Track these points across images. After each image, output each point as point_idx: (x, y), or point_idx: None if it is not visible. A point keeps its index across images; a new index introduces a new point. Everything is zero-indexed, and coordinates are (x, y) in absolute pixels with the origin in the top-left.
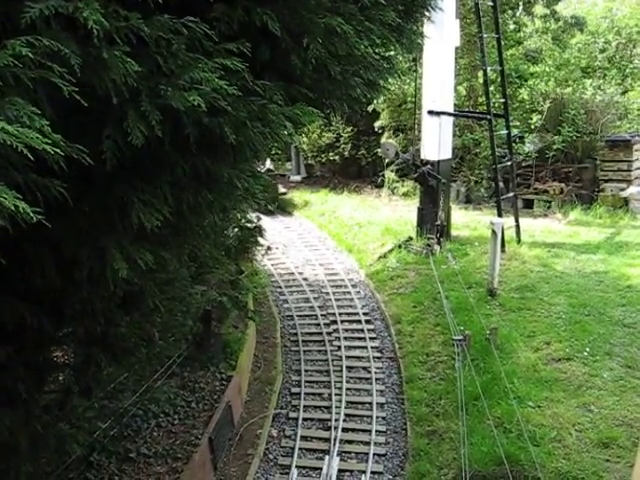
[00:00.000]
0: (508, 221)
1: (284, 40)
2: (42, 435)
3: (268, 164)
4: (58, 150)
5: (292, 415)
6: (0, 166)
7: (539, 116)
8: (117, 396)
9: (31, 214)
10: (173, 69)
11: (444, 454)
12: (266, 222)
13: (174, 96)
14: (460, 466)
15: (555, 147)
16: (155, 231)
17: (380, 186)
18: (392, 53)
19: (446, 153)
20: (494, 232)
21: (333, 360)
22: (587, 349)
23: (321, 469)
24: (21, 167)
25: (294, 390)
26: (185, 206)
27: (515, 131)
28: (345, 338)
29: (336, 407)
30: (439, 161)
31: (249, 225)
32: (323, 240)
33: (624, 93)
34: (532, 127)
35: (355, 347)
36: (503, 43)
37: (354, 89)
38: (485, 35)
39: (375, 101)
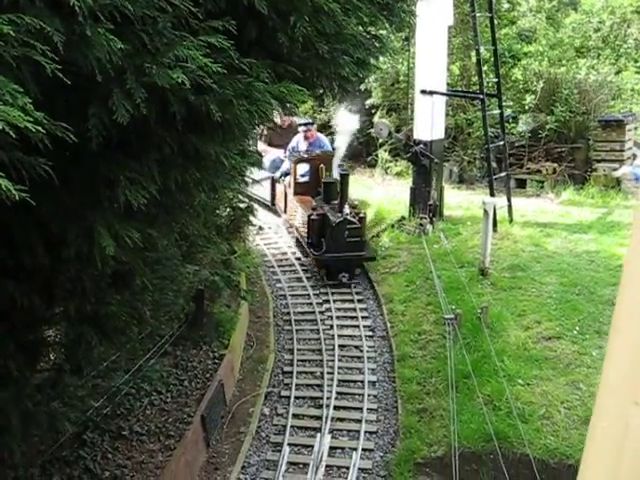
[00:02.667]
0: (500, 201)
1: (271, 18)
2: (33, 413)
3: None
4: (40, 128)
5: (284, 393)
6: None
7: (532, 96)
8: (110, 375)
9: (14, 192)
10: (158, 47)
11: (434, 431)
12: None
13: (159, 74)
14: (450, 443)
15: (548, 127)
16: (142, 209)
17: (373, 166)
18: (383, 32)
19: (439, 133)
20: (486, 212)
21: (325, 339)
22: (577, 328)
23: (313, 446)
24: (5, 145)
25: (286, 369)
26: (173, 184)
27: (508, 111)
28: (337, 317)
29: (328, 385)
30: (432, 141)
31: (241, 205)
32: None
33: (618, 73)
34: (525, 107)
35: (347, 326)
36: (497, 22)
37: (343, 68)
38: (478, 14)
39: (367, 80)
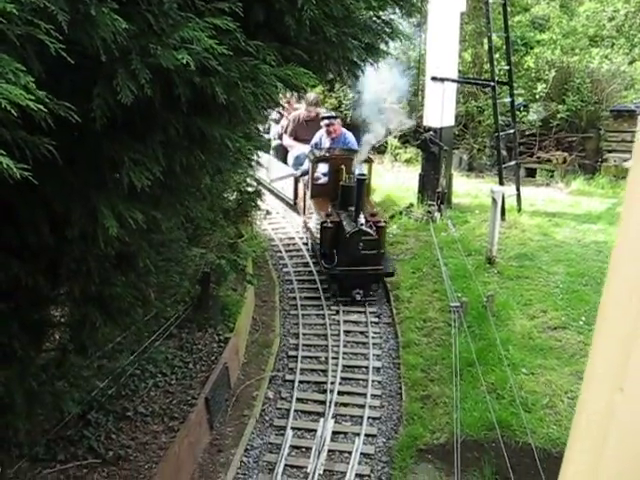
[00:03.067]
0: (509, 189)
1: (278, 1)
2: (38, 392)
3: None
4: (41, 107)
5: (289, 377)
6: None
7: (544, 85)
8: (115, 356)
9: (14, 169)
10: (164, 28)
11: (437, 418)
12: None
13: (164, 55)
14: (452, 430)
15: (559, 116)
16: (146, 191)
17: (382, 152)
18: (393, 17)
19: (449, 120)
20: (494, 200)
21: (331, 324)
22: (583, 318)
23: (316, 431)
24: (9, 124)
25: (291, 353)
26: (177, 166)
27: (520, 99)
28: (343, 303)
29: (332, 370)
30: (441, 128)
31: (249, 189)
32: None
33: (631, 63)
34: (537, 96)
35: (353, 312)
36: (510, 9)
37: (351, 52)
38: (491, 0)
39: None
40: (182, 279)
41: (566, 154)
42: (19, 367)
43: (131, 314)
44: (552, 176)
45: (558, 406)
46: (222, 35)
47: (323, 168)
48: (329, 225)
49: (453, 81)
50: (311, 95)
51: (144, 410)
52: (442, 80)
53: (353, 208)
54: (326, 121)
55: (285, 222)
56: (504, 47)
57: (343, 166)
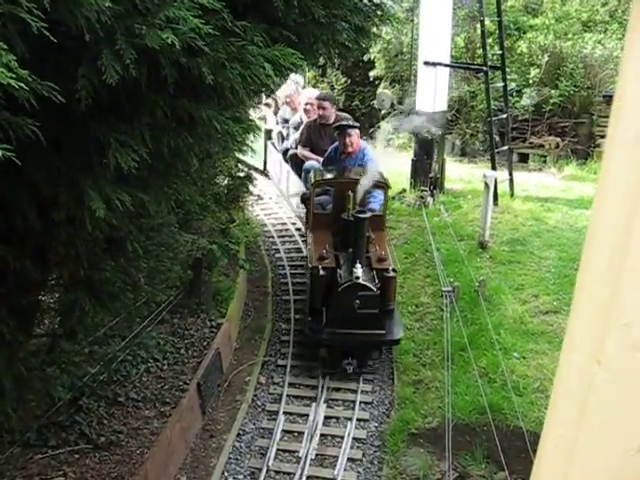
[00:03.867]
0: (502, 174)
1: None
2: (27, 378)
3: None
4: (23, 85)
5: (281, 363)
6: None
7: (537, 70)
8: (106, 342)
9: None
10: (149, 7)
11: (429, 403)
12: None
13: (149, 35)
14: (444, 414)
15: (552, 101)
16: (134, 173)
17: (375, 138)
18: (385, 0)
19: (441, 105)
20: (487, 185)
21: None
22: None
23: (308, 416)
24: None
25: (284, 338)
26: (165, 149)
27: (512, 84)
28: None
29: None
30: (434, 113)
31: (240, 174)
32: None
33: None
34: (530, 81)
35: None
36: None
37: (341, 34)
38: None
39: (370, 51)
40: (173, 264)
41: (559, 139)
42: (7, 352)
43: (121, 299)
44: (545, 161)
45: (549, 390)
46: (208, 15)
47: (323, 194)
48: (321, 272)
49: (445, 66)
50: (320, 92)
51: (136, 396)
52: (434, 65)
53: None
54: (342, 131)
55: (277, 207)
56: (497, 32)
57: (350, 193)
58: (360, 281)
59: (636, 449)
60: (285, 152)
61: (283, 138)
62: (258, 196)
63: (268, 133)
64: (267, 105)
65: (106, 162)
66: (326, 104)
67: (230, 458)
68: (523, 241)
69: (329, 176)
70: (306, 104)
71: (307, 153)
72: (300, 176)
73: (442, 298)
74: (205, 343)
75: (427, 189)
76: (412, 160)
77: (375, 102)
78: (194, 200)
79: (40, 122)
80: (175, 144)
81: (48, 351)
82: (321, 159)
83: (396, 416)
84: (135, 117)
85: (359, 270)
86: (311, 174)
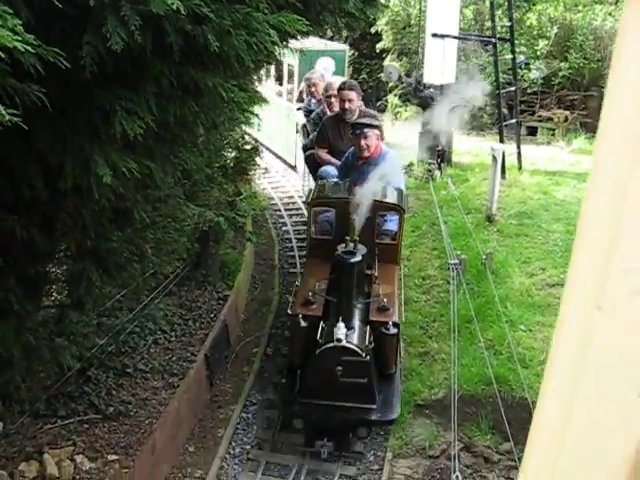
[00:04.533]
0: (510, 148)
1: None
2: (36, 347)
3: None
4: (29, 48)
5: (287, 335)
6: None
7: (546, 42)
8: (114, 314)
9: (5, 114)
10: None
11: (435, 374)
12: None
13: (154, 1)
14: (450, 386)
15: (561, 74)
16: (140, 141)
17: (383, 111)
18: None
19: (449, 77)
20: (494, 158)
21: None
22: None
23: None
24: None
25: (290, 311)
26: (171, 117)
27: (521, 57)
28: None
29: None
30: (442, 85)
31: (247, 147)
32: None
33: None
34: (538, 53)
35: None
36: None
37: (347, 2)
38: None
39: (378, 23)
40: (179, 235)
41: (568, 112)
42: (16, 322)
43: (128, 269)
44: (553, 135)
45: None
46: None
47: (323, 216)
48: (301, 323)
49: (454, 37)
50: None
51: (144, 367)
52: (442, 37)
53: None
54: (358, 131)
55: (285, 181)
56: (506, 3)
57: (354, 217)
58: (343, 344)
59: (638, 394)
60: (305, 150)
61: (308, 133)
62: (265, 169)
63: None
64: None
65: (112, 129)
66: (352, 95)
67: (237, 429)
68: (530, 214)
69: (332, 192)
70: (328, 95)
71: (324, 155)
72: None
73: (449, 271)
74: (212, 315)
75: (434, 162)
76: (420, 133)
77: (382, 75)
78: (200, 170)
79: (46, 89)
80: (181, 113)
81: (57, 322)
82: (339, 163)
83: (402, 387)
84: (140, 85)
85: (341, 330)
86: (314, 189)
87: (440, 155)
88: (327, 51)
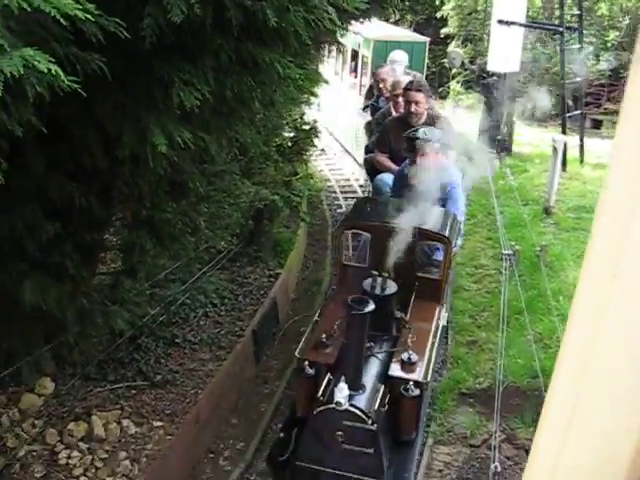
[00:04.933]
0: (573, 140)
1: None
2: (89, 311)
3: None
4: (89, 17)
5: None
6: (42, 37)
7: (617, 33)
8: (167, 285)
9: (64, 79)
10: None
11: (481, 364)
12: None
13: None
14: (495, 376)
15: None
16: (196, 113)
17: (444, 97)
18: None
19: (514, 66)
20: (555, 149)
21: None
22: None
23: None
24: (62, 40)
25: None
26: (228, 91)
27: (590, 48)
28: None
29: None
30: (506, 74)
31: (305, 127)
32: None
33: None
34: (608, 44)
35: None
36: None
37: None
38: None
39: (443, 8)
40: (233, 210)
41: None
42: (71, 286)
43: (181, 241)
44: None
45: None
46: None
47: (356, 241)
48: (307, 370)
49: (520, 25)
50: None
51: (193, 338)
52: (509, 24)
53: (375, 332)
54: (412, 145)
55: (342, 163)
56: None
57: (392, 244)
58: (344, 407)
59: None
60: (367, 152)
61: (372, 133)
62: (322, 149)
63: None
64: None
65: (169, 100)
66: (419, 97)
67: (280, 405)
68: (589, 209)
69: (370, 213)
70: (395, 94)
71: (384, 161)
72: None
73: (502, 261)
74: (262, 292)
75: (494, 151)
76: (480, 121)
77: (446, 61)
78: (256, 146)
79: (106, 59)
80: (238, 87)
81: (111, 289)
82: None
83: (448, 375)
84: (199, 58)
85: (343, 392)
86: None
87: (500, 144)
88: (404, 42)
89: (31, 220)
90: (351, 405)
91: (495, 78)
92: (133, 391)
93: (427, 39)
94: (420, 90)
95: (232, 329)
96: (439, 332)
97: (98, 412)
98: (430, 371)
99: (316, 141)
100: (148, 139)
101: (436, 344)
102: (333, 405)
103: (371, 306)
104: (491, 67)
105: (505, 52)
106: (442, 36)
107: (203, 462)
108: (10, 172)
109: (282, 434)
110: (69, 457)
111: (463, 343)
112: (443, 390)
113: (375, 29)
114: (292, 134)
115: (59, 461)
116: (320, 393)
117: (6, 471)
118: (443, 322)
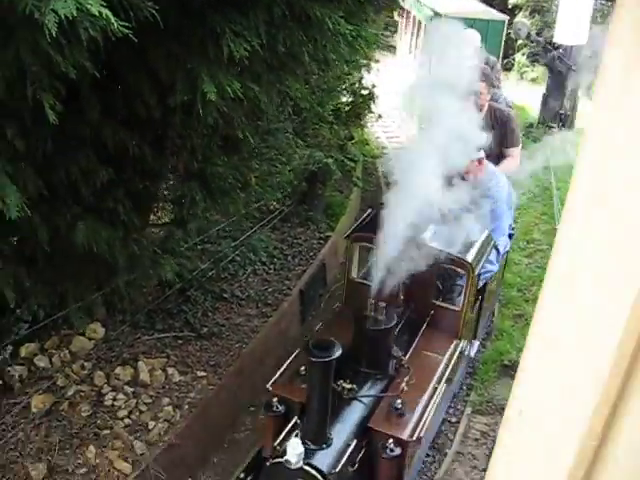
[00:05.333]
0: None
1: None
2: (139, 257)
3: None
4: None
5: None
6: None
7: None
8: (218, 241)
9: (115, 23)
10: None
11: (526, 337)
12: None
13: None
14: None
15: None
16: (246, 64)
17: (509, 69)
18: None
19: (581, 38)
20: None
21: None
22: None
23: None
24: None
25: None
26: (280, 45)
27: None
28: None
29: None
30: (572, 47)
31: (363, 92)
32: None
33: None
34: None
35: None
36: None
37: None
38: None
39: None
40: (285, 168)
41: None
42: (123, 231)
43: (231, 195)
44: None
45: None
46: None
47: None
48: (274, 406)
49: None
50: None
51: (240, 294)
52: None
53: (367, 369)
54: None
55: (400, 131)
56: None
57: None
58: (299, 465)
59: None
60: None
61: None
62: (379, 115)
63: None
64: None
65: (220, 51)
66: (481, 87)
67: None
68: None
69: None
70: None
71: (492, 169)
72: None
73: (555, 237)
74: (312, 254)
75: (555, 125)
76: (543, 94)
77: (512, 31)
78: (308, 103)
79: (160, 7)
80: (290, 42)
81: (162, 239)
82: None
83: (492, 346)
84: (252, 10)
85: (296, 450)
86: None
87: (562, 119)
88: (479, 20)
89: (85, 165)
90: (307, 464)
91: (561, 51)
92: (179, 341)
93: (506, 17)
94: (482, 79)
95: (279, 288)
96: (453, 371)
97: (145, 359)
98: (422, 426)
99: (373, 107)
100: (199, 87)
101: (441, 389)
102: (285, 463)
103: (337, 352)
104: (558, 39)
105: (573, 24)
106: (510, 6)
107: (244, 414)
108: (65, 115)
109: (242, 474)
110: (114, 399)
111: (509, 316)
112: (485, 361)
113: (448, 2)
114: (350, 99)
115: (105, 402)
116: (279, 440)
117: (55, 408)
118: (471, 354)
